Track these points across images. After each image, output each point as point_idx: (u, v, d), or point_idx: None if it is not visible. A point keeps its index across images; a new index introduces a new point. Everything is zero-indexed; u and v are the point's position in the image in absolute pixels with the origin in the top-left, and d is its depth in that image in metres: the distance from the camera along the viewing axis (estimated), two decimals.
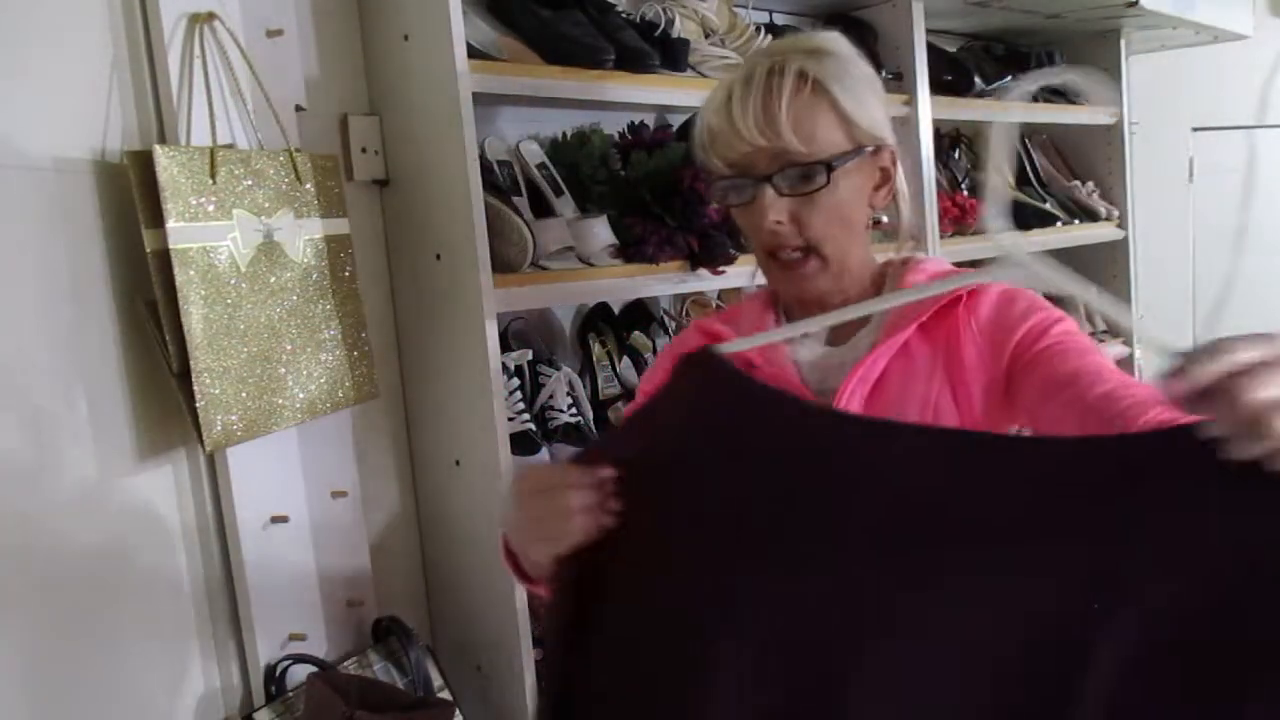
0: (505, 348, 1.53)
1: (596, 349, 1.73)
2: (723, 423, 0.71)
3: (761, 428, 0.68)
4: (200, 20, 1.19)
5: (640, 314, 1.82)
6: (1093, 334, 2.70)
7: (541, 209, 1.56)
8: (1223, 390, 0.53)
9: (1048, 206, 2.49)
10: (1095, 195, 2.69)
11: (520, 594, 1.40)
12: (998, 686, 0.59)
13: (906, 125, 2.06)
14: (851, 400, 1.01)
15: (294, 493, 1.32)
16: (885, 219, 1.07)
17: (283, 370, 1.23)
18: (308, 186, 1.28)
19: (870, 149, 1.01)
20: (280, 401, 1.22)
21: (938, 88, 2.12)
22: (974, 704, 0.60)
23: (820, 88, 0.97)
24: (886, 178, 1.04)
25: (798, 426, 0.67)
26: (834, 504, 0.64)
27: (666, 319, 1.87)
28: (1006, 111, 2.38)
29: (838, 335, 1.09)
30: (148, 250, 1.10)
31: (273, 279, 1.22)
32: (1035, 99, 2.43)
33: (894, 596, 0.61)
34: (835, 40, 1.03)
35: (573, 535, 0.77)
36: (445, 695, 1.42)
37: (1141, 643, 0.56)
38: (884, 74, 2.02)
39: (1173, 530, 0.56)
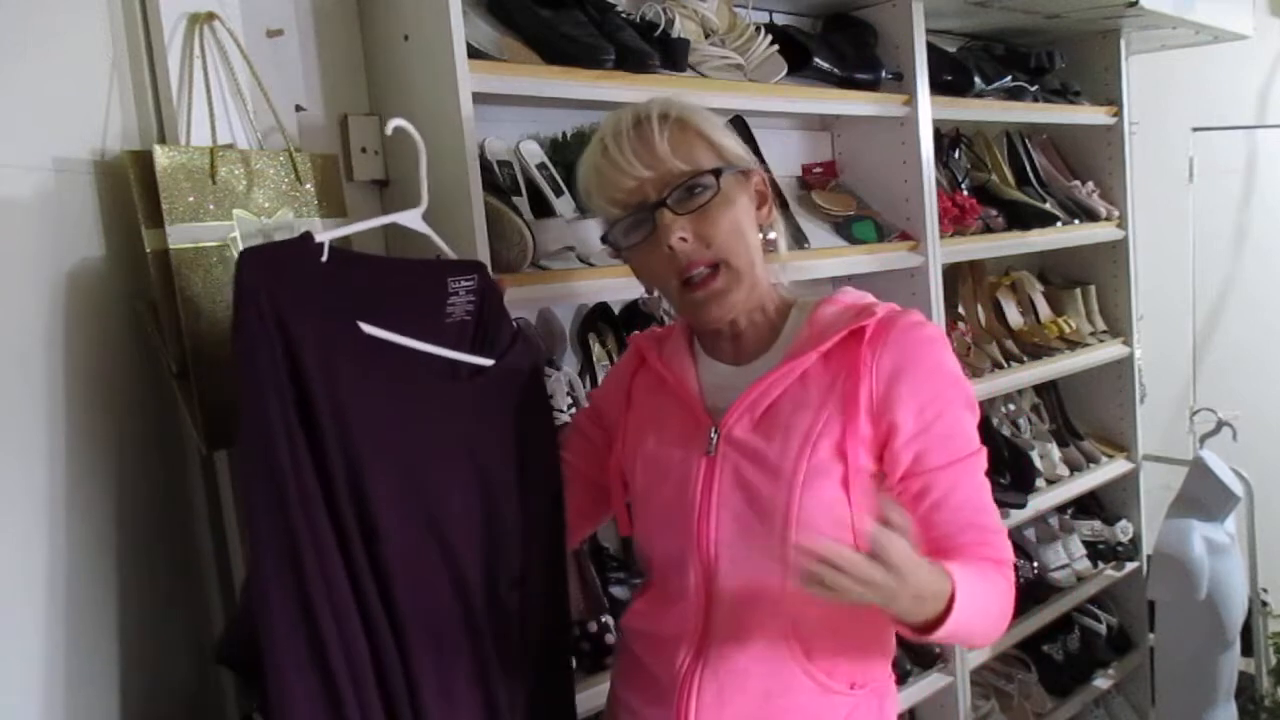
0: None
1: (596, 349, 1.73)
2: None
3: None
4: (200, 20, 1.19)
5: (640, 314, 1.82)
6: (1093, 333, 2.70)
7: (541, 209, 1.56)
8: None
9: (1048, 206, 2.48)
10: (1095, 195, 2.69)
11: None
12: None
13: (906, 125, 2.06)
14: (739, 423, 1.05)
15: None
16: (774, 236, 1.15)
17: None
18: (308, 186, 1.28)
19: (742, 170, 1.09)
20: None
21: (938, 88, 2.12)
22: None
23: (683, 121, 1.07)
24: (764, 199, 1.13)
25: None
26: None
27: (666, 319, 1.87)
28: (1007, 111, 2.38)
29: (741, 356, 1.10)
30: (147, 250, 1.10)
31: None
32: (1035, 99, 2.43)
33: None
34: (683, 95, 1.15)
35: None
36: None
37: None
38: (884, 74, 2.02)
39: None
